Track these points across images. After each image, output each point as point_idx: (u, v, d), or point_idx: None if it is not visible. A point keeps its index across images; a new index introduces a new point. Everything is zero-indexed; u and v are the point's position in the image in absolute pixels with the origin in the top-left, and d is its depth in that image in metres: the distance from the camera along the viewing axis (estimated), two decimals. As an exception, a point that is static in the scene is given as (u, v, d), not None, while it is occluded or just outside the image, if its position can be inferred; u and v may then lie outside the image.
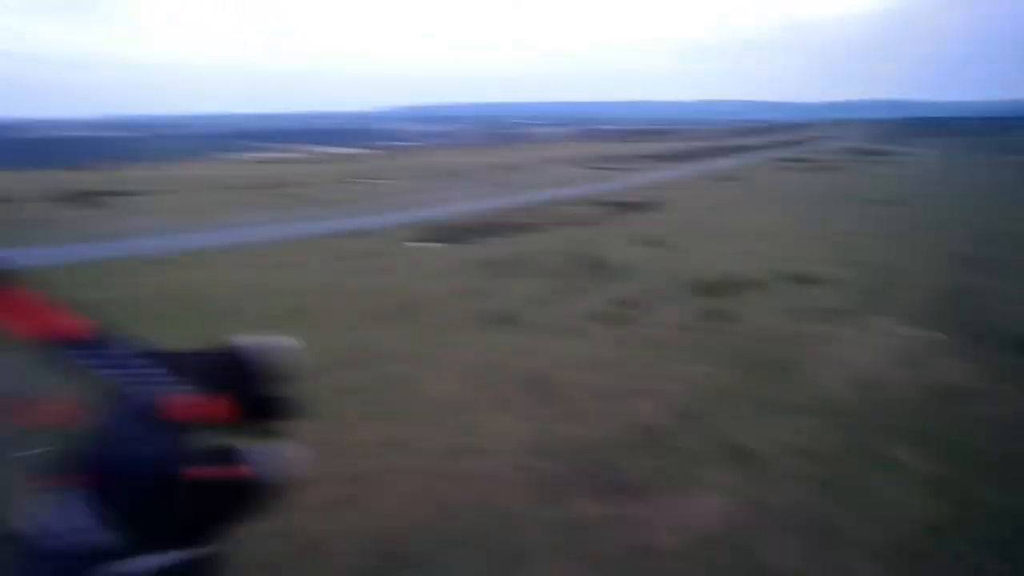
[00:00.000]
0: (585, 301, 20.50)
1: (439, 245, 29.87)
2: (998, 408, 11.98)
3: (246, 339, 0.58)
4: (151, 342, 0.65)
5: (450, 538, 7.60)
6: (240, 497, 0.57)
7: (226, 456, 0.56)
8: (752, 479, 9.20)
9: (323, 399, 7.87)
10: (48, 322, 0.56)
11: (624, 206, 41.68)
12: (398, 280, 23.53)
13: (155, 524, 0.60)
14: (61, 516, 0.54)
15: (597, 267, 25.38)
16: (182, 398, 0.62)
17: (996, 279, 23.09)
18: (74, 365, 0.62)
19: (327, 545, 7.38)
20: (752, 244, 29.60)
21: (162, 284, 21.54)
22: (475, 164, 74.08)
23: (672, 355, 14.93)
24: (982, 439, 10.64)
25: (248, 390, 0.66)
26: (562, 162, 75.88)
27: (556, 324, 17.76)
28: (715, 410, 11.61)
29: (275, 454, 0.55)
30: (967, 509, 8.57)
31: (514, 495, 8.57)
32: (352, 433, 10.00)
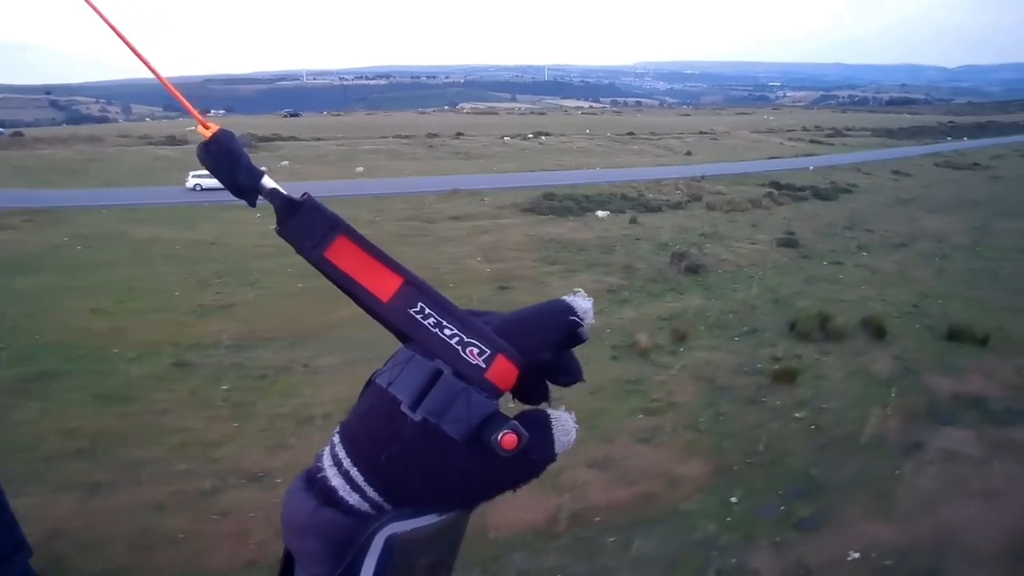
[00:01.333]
0: (631, 313, 16.59)
1: (536, 217, 26.65)
2: None
3: (566, 299, 0.51)
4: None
5: None
6: (527, 465, 0.53)
7: (527, 422, 0.52)
8: None
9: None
10: (381, 280, 0.53)
11: (799, 190, 34.87)
12: (447, 253, 20.99)
13: (437, 487, 0.54)
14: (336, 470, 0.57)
15: (691, 268, 20.75)
16: (498, 360, 0.61)
17: None
18: (396, 323, 0.63)
19: None
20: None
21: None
22: (679, 127, 68.35)
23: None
24: None
25: (560, 351, 0.64)
26: (774, 131, 67.14)
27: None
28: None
29: (561, 421, 0.52)
30: None
31: None
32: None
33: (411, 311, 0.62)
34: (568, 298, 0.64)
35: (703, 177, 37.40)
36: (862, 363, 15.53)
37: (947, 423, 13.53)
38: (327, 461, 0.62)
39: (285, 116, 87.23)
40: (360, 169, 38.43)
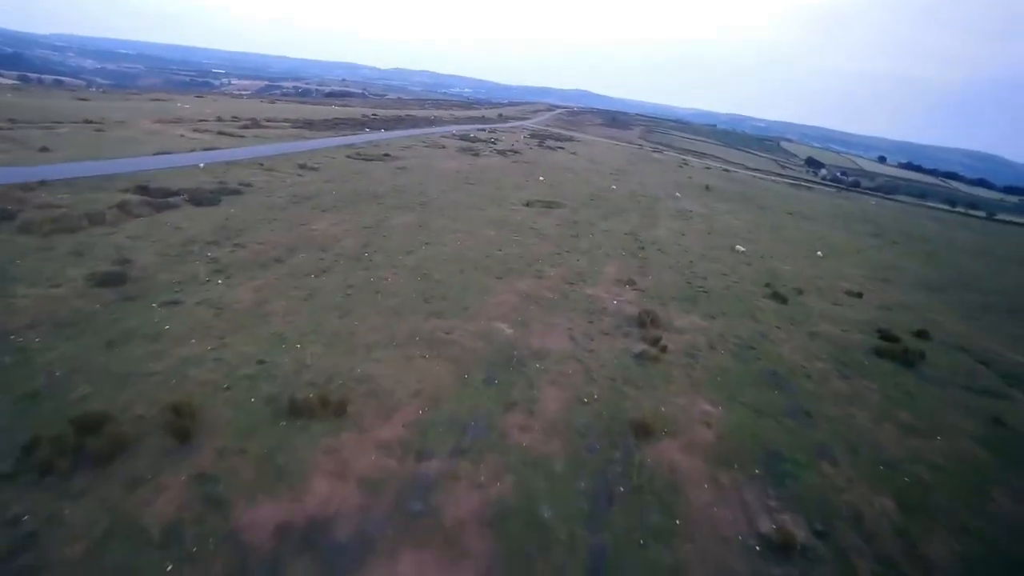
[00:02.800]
0: None
1: None
2: None
3: None
4: None
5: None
6: None
7: None
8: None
9: None
10: None
11: (171, 195, 27.94)
12: None
13: None
14: None
15: None
16: None
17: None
18: None
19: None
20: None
21: None
22: (64, 114, 54.19)
23: None
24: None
25: None
26: (182, 121, 58.56)
27: None
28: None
29: None
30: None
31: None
32: None
33: None
34: None
35: (43, 182, 27.51)
36: (133, 507, 9.53)
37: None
38: None
39: None
40: None
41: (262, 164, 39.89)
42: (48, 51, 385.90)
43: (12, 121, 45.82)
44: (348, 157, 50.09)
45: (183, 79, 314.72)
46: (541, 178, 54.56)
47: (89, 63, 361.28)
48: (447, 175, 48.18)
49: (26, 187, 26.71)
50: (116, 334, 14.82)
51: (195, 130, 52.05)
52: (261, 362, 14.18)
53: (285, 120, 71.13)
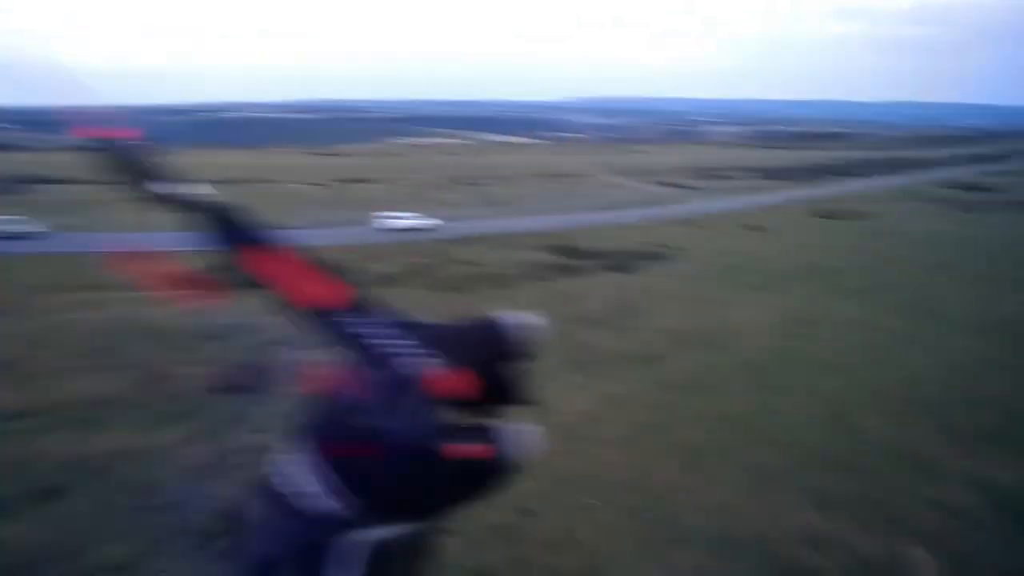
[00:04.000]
0: None
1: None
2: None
3: (501, 314, 0.66)
4: (406, 313, 0.70)
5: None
6: (485, 475, 0.61)
7: (477, 433, 0.60)
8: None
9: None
10: (314, 288, 0.65)
11: (591, 257, 25.99)
12: None
13: (398, 496, 0.62)
14: (306, 479, 0.64)
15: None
16: (438, 371, 0.61)
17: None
18: (336, 333, 0.64)
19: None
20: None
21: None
22: (541, 169, 59.70)
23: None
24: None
25: (499, 365, 0.67)
26: (650, 172, 58.84)
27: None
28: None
29: (518, 433, 0.62)
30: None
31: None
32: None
33: (352, 320, 0.67)
34: (498, 313, 0.69)
35: (465, 239, 28.42)
36: None
37: None
38: (295, 471, 0.65)
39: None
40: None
41: (699, 224, 36.04)
42: (558, 114, 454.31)
43: (493, 177, 51.04)
44: (808, 215, 42.89)
45: (670, 129, 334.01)
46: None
47: (596, 120, 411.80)
48: (947, 245, 35.86)
49: (451, 241, 27.59)
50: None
51: (649, 182, 51.19)
52: None
53: (749, 168, 66.44)
